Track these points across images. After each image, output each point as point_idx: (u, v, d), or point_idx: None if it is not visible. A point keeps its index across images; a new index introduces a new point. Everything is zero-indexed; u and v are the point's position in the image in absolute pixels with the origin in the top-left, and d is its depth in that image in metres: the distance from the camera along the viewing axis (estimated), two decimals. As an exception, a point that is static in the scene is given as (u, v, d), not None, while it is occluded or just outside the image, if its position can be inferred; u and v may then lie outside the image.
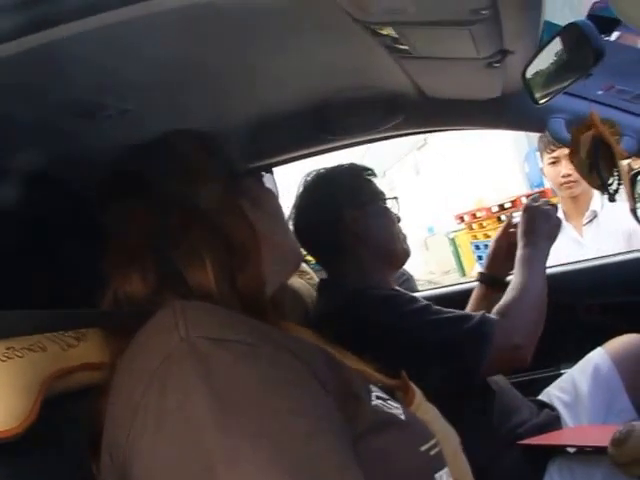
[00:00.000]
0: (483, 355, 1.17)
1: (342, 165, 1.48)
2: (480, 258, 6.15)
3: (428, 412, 0.78)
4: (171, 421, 0.51)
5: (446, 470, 0.67)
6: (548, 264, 1.44)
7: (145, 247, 0.70)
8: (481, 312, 1.24)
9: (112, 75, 0.81)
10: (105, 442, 0.58)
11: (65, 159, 1.04)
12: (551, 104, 1.26)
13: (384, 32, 0.87)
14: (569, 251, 2.03)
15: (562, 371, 1.56)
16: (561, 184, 2.15)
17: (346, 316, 1.24)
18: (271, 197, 0.88)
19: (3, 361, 0.61)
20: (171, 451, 0.50)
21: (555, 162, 2.15)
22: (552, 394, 1.41)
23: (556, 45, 0.90)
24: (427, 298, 1.36)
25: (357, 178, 1.44)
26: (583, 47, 0.85)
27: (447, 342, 1.19)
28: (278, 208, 0.89)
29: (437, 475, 0.65)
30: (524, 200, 5.66)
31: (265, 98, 1.14)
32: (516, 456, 1.18)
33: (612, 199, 1.00)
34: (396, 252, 1.40)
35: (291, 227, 1.38)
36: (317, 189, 1.44)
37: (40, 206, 1.03)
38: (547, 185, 2.12)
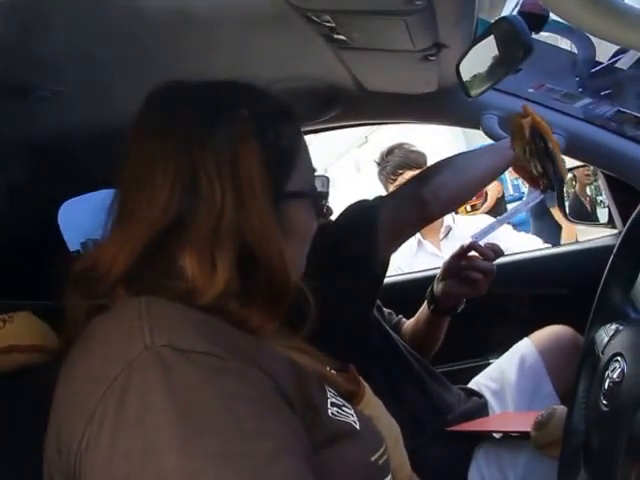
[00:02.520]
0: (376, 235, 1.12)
1: None
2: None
3: (376, 408, 0.77)
4: (128, 435, 0.48)
5: (389, 477, 0.67)
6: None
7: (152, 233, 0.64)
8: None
9: (44, 53, 0.79)
10: (54, 435, 0.55)
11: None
12: (485, 101, 1.30)
13: (321, 21, 0.88)
14: (430, 265, 2.10)
15: (490, 361, 1.62)
16: None
17: None
18: (311, 224, 0.82)
19: None
20: (126, 467, 0.47)
21: None
22: (480, 382, 1.46)
23: (488, 40, 0.93)
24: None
25: None
26: (513, 42, 0.88)
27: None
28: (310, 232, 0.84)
29: None
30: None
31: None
32: (444, 442, 1.21)
33: (552, 188, 1.04)
34: None
35: None
36: None
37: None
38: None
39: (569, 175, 1.71)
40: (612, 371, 0.82)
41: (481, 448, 1.21)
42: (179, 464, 0.46)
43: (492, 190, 3.06)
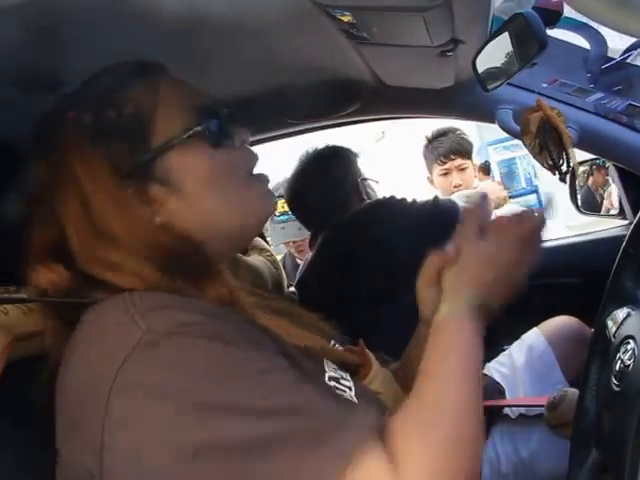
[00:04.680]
0: None
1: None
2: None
3: (383, 383, 0.78)
4: (137, 420, 0.53)
5: None
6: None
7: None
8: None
9: (73, 51, 0.82)
10: (64, 418, 0.60)
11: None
12: (499, 95, 1.34)
13: (342, 17, 0.92)
14: None
15: (504, 347, 1.65)
16: (452, 193, 2.28)
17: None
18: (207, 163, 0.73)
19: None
20: (138, 448, 0.53)
21: (446, 173, 2.33)
22: (491, 367, 1.51)
23: (504, 35, 0.97)
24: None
25: None
26: (528, 37, 0.92)
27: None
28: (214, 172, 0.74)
29: None
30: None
31: (226, 82, 1.16)
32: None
33: (563, 179, 1.07)
34: None
35: None
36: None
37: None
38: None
39: (583, 168, 1.75)
40: (623, 353, 0.86)
41: (497, 427, 1.26)
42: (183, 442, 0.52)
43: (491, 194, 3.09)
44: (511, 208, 2.53)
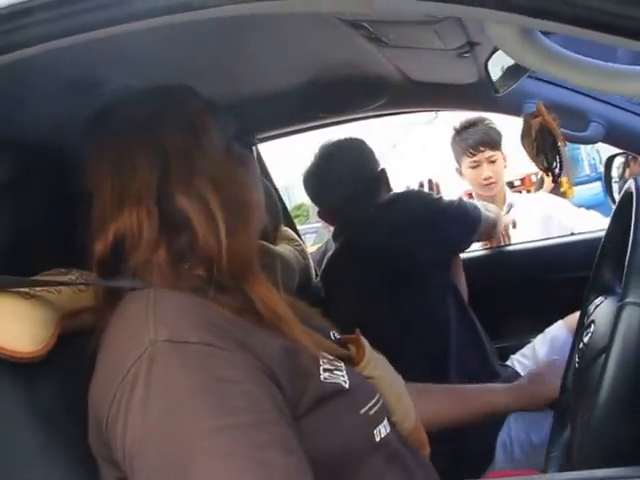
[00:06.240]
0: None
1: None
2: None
3: (376, 367, 0.83)
4: (135, 419, 0.59)
5: (384, 423, 0.76)
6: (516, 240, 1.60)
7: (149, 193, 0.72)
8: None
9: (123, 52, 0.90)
10: (90, 405, 0.67)
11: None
12: (526, 89, 1.36)
13: (363, 24, 0.98)
14: None
15: (529, 340, 1.69)
16: (483, 185, 2.28)
17: None
18: (254, 162, 0.90)
19: (26, 298, 0.73)
20: (136, 443, 0.58)
21: (476, 166, 2.27)
22: (515, 359, 1.57)
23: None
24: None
25: None
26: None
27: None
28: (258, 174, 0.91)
29: (375, 430, 0.73)
30: (533, 178, 5.77)
31: (266, 79, 1.25)
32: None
33: (555, 180, 1.12)
34: None
35: None
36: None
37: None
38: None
39: (620, 159, 1.75)
40: (585, 335, 0.95)
41: (512, 413, 1.32)
42: (178, 444, 0.56)
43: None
44: (570, 210, 2.46)
